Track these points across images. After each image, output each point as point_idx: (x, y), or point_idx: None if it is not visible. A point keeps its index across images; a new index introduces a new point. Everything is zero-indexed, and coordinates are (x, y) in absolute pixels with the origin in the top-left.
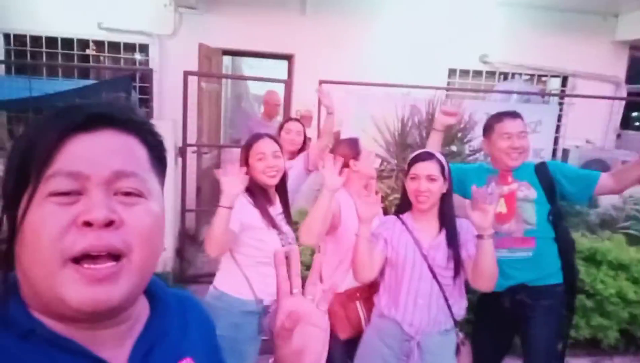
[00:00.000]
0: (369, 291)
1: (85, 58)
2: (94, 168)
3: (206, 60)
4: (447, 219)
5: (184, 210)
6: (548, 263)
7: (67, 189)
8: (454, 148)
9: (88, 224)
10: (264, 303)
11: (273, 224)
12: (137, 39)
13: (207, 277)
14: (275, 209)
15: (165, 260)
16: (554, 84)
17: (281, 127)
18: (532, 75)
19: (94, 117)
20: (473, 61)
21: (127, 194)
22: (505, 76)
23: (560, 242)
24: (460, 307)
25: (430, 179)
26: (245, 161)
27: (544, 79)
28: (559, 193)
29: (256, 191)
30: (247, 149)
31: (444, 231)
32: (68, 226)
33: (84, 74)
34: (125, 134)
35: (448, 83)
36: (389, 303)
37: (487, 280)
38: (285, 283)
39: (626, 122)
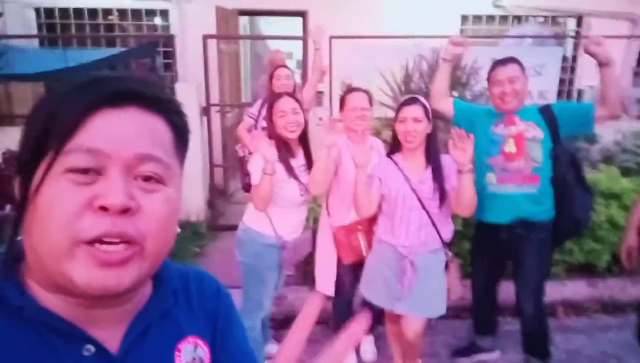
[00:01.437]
0: (368, 224)
1: (109, 26)
2: (116, 147)
3: (223, 22)
4: (432, 156)
5: (212, 165)
6: (547, 200)
7: (86, 166)
8: (455, 93)
9: (104, 209)
10: (284, 238)
11: (294, 175)
12: (157, 5)
13: (236, 227)
14: (298, 161)
15: (198, 211)
16: (570, 25)
17: (271, 76)
18: (546, 17)
19: (121, 93)
20: (486, 5)
21: (147, 179)
22: (519, 19)
23: (556, 181)
24: (447, 231)
25: (416, 120)
26: (269, 118)
27: (559, 20)
28: (566, 131)
29: (280, 146)
30: (269, 107)
31: (430, 167)
32: (83, 207)
33: (111, 42)
34: (152, 113)
35: (461, 30)
36: (385, 230)
37: (467, 208)
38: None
39: None
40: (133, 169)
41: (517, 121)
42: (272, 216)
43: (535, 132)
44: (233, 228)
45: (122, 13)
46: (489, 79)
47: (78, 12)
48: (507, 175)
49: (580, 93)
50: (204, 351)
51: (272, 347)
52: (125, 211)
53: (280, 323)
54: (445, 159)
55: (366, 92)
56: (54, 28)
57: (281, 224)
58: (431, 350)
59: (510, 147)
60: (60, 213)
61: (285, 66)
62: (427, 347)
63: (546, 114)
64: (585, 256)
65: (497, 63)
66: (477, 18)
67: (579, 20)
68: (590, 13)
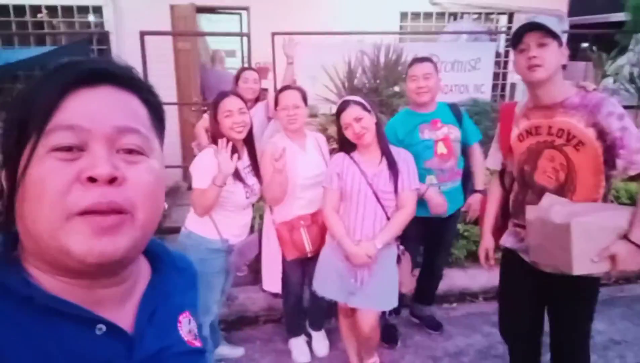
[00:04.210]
0: (311, 219)
1: (38, 24)
2: (94, 122)
3: (181, 19)
4: (383, 147)
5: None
6: (463, 189)
7: (69, 143)
8: (397, 88)
9: (92, 180)
10: (229, 242)
11: (239, 177)
12: (89, 1)
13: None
14: (243, 163)
15: None
16: (502, 21)
17: (237, 77)
18: (479, 14)
19: (95, 73)
20: (423, 3)
21: (129, 152)
22: (455, 16)
23: (466, 169)
24: None
25: (357, 119)
26: (214, 118)
27: (491, 16)
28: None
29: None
30: (215, 106)
31: (384, 160)
32: (71, 182)
33: (40, 40)
34: (126, 91)
35: (400, 27)
36: None
37: None
38: None
39: (573, 53)
40: (115, 143)
41: (440, 125)
42: (217, 220)
43: (456, 133)
44: (178, 229)
45: (51, 10)
46: (407, 75)
47: (3, 8)
48: (445, 174)
49: (513, 86)
50: (195, 324)
51: (223, 349)
52: (112, 180)
53: (232, 324)
54: (399, 152)
55: (299, 89)
56: None
57: (226, 228)
58: None
59: (442, 149)
60: (50, 189)
61: (252, 69)
62: None
63: (456, 114)
64: None
65: (414, 60)
66: (416, 15)
67: (510, 17)
68: (520, 9)
